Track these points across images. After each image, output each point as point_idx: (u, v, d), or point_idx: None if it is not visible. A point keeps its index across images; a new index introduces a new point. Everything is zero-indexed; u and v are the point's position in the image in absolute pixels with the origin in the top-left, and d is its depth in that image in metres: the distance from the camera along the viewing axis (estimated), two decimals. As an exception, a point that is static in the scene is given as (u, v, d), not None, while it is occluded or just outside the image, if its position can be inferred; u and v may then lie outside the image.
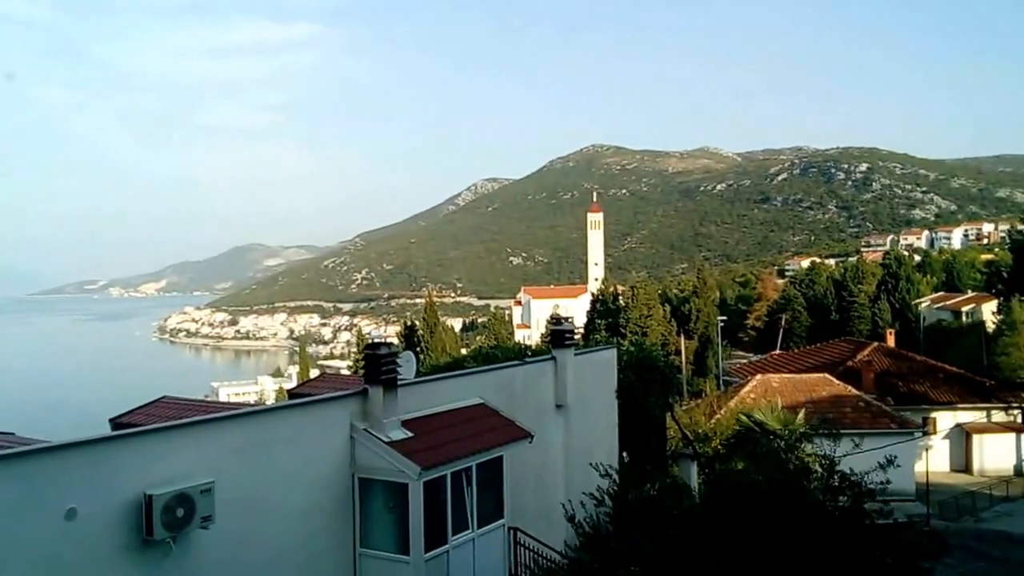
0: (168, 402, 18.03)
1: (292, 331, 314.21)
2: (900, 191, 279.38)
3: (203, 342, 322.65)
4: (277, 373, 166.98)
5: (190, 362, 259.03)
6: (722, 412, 32.14)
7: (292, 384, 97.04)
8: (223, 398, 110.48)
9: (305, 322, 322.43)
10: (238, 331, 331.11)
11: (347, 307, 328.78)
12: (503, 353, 26.20)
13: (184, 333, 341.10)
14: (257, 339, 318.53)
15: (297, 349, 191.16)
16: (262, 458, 10.72)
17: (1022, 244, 63.91)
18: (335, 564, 11.67)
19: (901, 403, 41.98)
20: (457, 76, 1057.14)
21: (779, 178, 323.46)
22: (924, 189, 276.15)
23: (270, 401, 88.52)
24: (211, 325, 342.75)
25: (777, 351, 77.14)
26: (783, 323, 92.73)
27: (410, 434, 12.09)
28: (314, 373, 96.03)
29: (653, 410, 22.95)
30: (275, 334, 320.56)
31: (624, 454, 19.86)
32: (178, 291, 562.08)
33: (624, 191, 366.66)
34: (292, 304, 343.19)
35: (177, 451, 9.82)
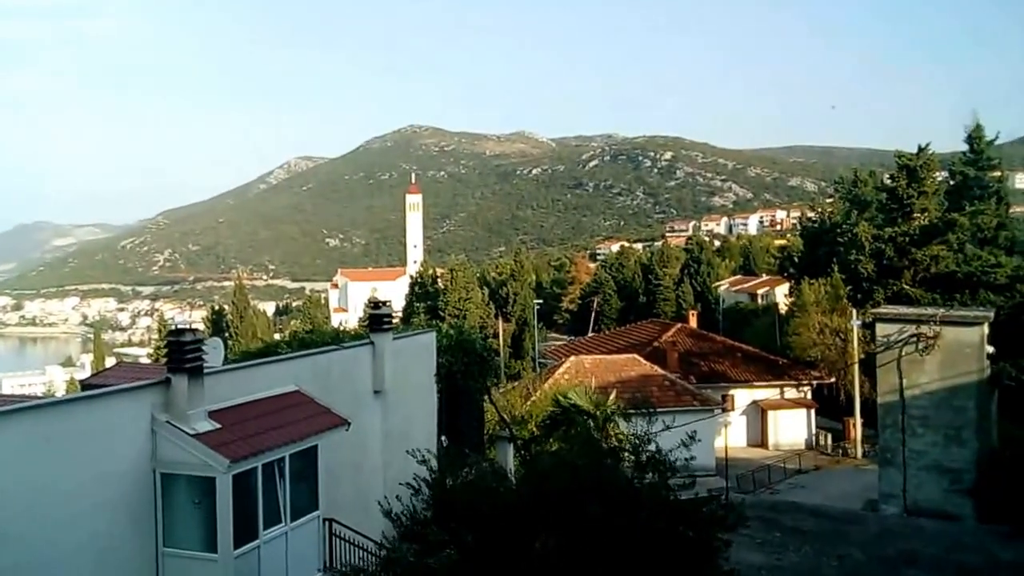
0: (-64, 397, 16.35)
1: (85, 317, 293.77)
2: (702, 179, 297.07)
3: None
4: (68, 362, 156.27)
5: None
6: (538, 394, 32.88)
7: (85, 374, 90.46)
8: (6, 390, 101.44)
9: (100, 307, 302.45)
10: (23, 317, 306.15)
11: (148, 291, 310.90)
12: (319, 338, 25.61)
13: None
14: (45, 325, 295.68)
15: (91, 336, 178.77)
16: (51, 455, 9.96)
17: (812, 231, 69.36)
18: (134, 565, 11.05)
19: (703, 381, 44.50)
20: (267, 45, 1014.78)
21: (591, 164, 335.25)
22: (723, 177, 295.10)
23: (60, 393, 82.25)
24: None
25: (590, 333, 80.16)
26: (595, 306, 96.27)
27: (218, 425, 11.60)
28: (110, 362, 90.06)
29: (472, 394, 23.19)
30: (66, 320, 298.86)
31: (443, 438, 19.95)
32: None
33: (443, 173, 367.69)
34: (85, 287, 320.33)
35: (-52, 451, 8.97)
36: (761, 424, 46.64)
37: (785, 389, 47.54)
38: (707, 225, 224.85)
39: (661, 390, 38.27)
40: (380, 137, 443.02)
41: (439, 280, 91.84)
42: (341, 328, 45.10)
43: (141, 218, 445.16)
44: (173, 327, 12.41)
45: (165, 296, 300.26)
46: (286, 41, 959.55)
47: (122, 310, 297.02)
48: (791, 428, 46.22)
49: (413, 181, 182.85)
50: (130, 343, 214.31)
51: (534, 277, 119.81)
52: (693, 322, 60.59)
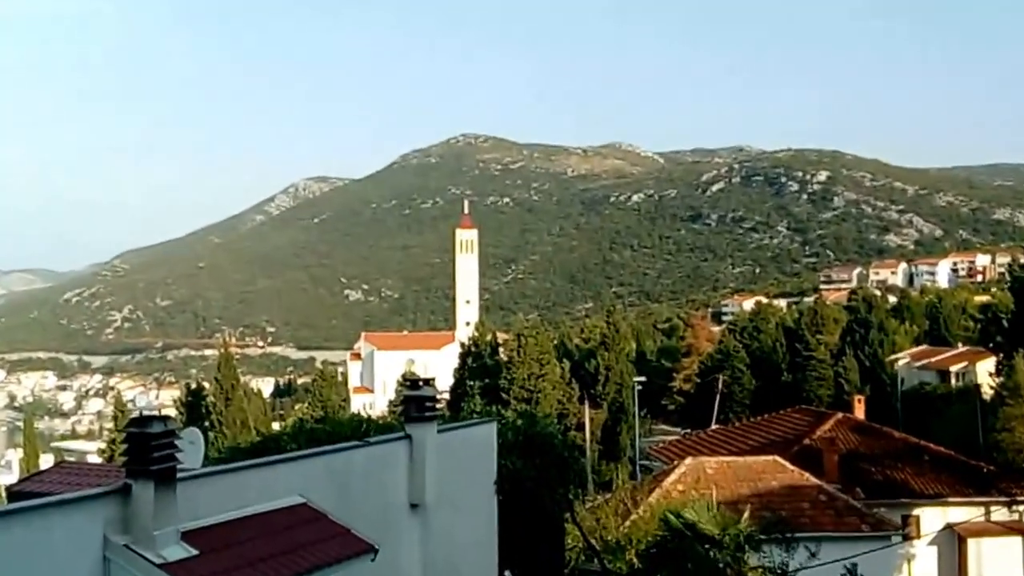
0: None
1: (13, 397, 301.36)
2: (870, 209, 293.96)
3: None
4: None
5: None
6: (640, 511, 32.62)
7: (13, 478, 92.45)
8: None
9: (34, 383, 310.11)
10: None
11: (100, 361, 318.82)
12: (335, 429, 25.81)
13: None
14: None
15: (20, 425, 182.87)
16: (-34, 591, 10.06)
17: (1026, 283, 67.84)
18: None
19: (874, 495, 43.49)
20: (268, 31, 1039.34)
21: (714, 188, 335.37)
22: (901, 207, 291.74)
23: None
24: None
25: (713, 425, 79.17)
26: (720, 386, 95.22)
27: (195, 552, 11.63)
28: (47, 461, 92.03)
29: (548, 510, 23.04)
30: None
31: (507, 573, 19.79)
32: None
33: (507, 200, 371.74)
34: (14, 356, 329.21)
35: None
36: (959, 558, 45.29)
37: (992, 507, 46.26)
38: (878, 274, 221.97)
39: (815, 507, 37.62)
40: (421, 150, 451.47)
41: (501, 349, 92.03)
42: (365, 416, 45.38)
43: (92, 262, 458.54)
44: (135, 413, 12.53)
45: (124, 369, 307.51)
46: (288, 19, 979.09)
47: (64, 388, 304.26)
48: (1001, 563, 44.69)
49: (466, 211, 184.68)
50: (75, 434, 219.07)
51: (634, 345, 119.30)
52: (859, 411, 59.57)
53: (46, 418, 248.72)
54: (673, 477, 39.59)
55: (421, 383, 17.99)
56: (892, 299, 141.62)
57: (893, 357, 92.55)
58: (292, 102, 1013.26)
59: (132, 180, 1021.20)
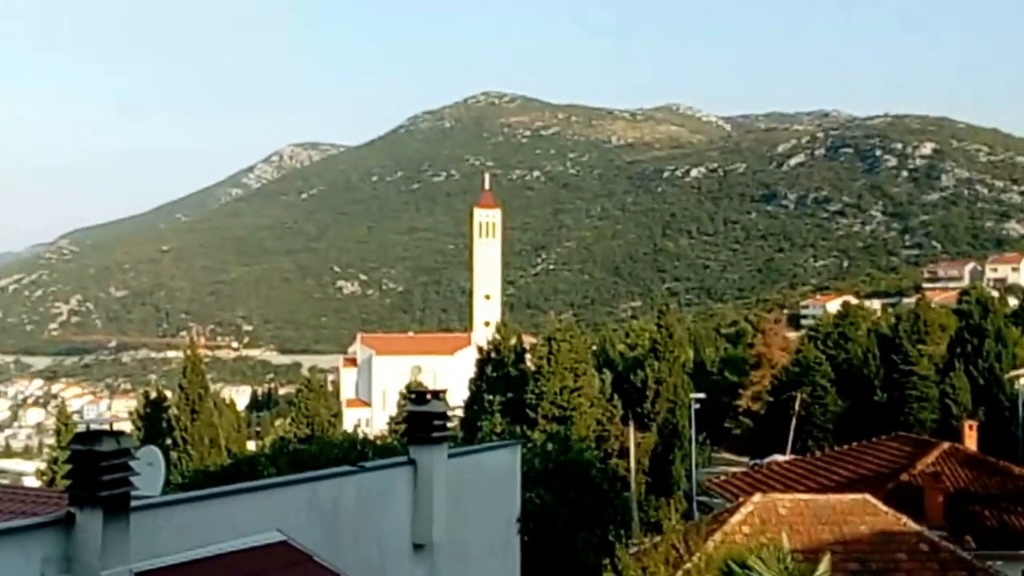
0: None
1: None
2: (987, 190, 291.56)
3: None
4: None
5: None
6: (696, 559, 32.49)
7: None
8: None
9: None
10: None
11: (41, 363, 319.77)
12: (323, 451, 25.93)
13: None
14: None
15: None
16: None
17: None
18: None
19: (988, 545, 43.07)
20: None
21: (792, 162, 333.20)
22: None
23: None
24: None
25: (787, 454, 78.93)
26: (797, 407, 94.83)
27: (151, 597, 11.65)
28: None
29: (581, 554, 23.06)
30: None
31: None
32: None
33: (537, 174, 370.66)
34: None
35: None
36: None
37: None
38: (995, 271, 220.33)
39: (914, 559, 37.30)
40: (433, 112, 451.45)
41: (528, 356, 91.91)
42: (360, 435, 45.51)
43: (33, 243, 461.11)
44: (81, 427, 12.48)
45: (70, 373, 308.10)
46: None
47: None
48: None
49: (487, 186, 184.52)
50: (8, 452, 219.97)
51: (692, 354, 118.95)
52: (971, 440, 59.19)
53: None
54: (737, 518, 39.43)
55: (429, 396, 17.94)
56: (1013, 302, 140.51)
57: (1014, 374, 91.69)
58: (275, 50, 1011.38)
59: (82, 144, 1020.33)
